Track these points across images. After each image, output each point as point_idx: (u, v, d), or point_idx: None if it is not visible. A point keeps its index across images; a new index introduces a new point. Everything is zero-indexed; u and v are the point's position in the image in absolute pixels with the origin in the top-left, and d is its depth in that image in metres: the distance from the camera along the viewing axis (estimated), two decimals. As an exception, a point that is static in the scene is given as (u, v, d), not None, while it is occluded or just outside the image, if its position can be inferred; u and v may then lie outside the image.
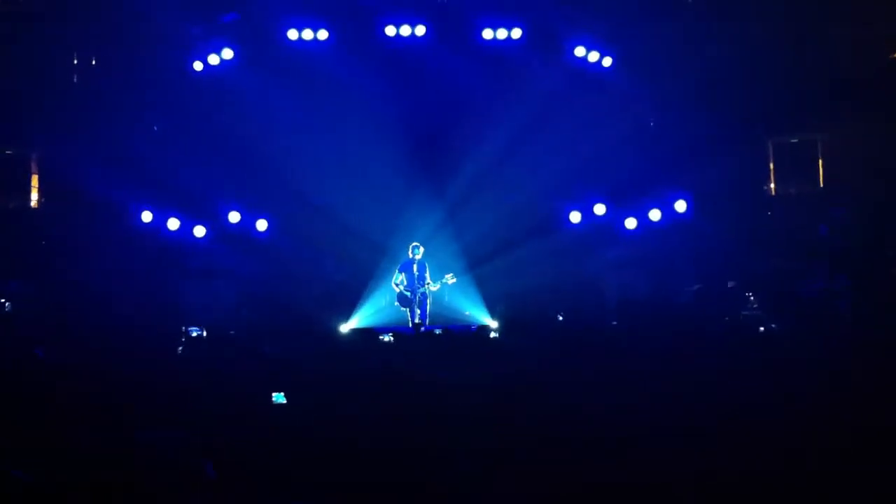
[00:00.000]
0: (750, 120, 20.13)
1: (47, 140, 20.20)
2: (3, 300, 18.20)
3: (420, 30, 20.58)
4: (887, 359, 8.49)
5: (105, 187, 19.30)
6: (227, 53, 20.49)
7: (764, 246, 19.24)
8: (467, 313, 20.10)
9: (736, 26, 19.83)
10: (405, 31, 20.58)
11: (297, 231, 20.42)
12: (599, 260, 20.68)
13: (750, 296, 18.29)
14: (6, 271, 19.20)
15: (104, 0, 19.70)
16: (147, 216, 19.94)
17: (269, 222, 20.58)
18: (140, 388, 8.59)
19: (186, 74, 20.41)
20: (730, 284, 19.40)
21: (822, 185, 21.20)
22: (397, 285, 19.38)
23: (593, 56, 20.54)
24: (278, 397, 8.58)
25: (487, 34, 20.60)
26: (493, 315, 19.69)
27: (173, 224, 20.04)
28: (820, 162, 21.23)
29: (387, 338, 14.01)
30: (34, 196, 21.10)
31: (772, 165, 21.58)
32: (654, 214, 20.40)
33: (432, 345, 12.58)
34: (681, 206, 20.20)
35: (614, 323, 15.89)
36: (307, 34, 20.49)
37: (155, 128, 20.82)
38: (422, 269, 19.30)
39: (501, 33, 20.58)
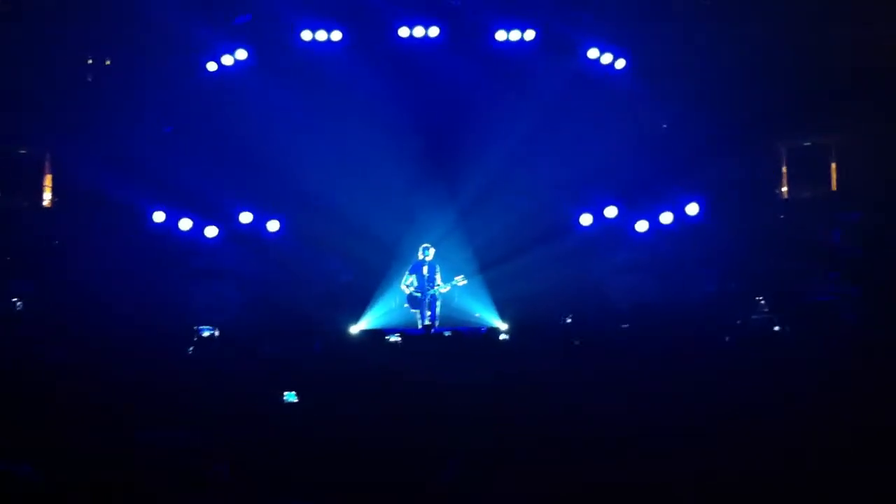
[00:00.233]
0: (762, 123, 20.01)
1: (61, 140, 20.25)
2: (14, 299, 18.25)
3: (433, 31, 20.59)
4: (888, 359, 8.45)
5: (117, 187, 19.35)
6: (241, 54, 20.54)
7: (776, 250, 19.14)
8: (477, 315, 20.06)
9: (748, 29, 19.75)
10: (418, 32, 20.58)
11: (308, 232, 20.44)
12: (610, 263, 20.63)
13: (760, 299, 18.21)
14: (19, 270, 19.27)
15: (118, 2, 19.70)
16: (159, 216, 20.01)
17: (280, 223, 20.63)
18: (148, 389, 8.62)
19: (200, 75, 20.48)
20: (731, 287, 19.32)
21: (834, 188, 21.11)
22: (407, 287, 19.36)
23: (606, 58, 20.52)
24: (290, 396, 8.61)
25: (500, 36, 20.59)
26: (504, 317, 19.66)
27: (185, 224, 20.10)
28: (833, 165, 21.14)
29: (394, 339, 14.00)
30: (47, 196, 21.21)
31: (784, 169, 21.52)
32: (666, 217, 20.35)
33: (440, 346, 12.59)
34: (693, 209, 20.15)
35: (625, 326, 15.84)
36: (321, 35, 20.52)
37: (168, 128, 20.87)
38: (432, 271, 19.29)
39: (514, 35, 20.57)
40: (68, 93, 20.27)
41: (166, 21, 19.41)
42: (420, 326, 18.91)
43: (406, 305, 19.57)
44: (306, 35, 20.48)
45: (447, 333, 14.65)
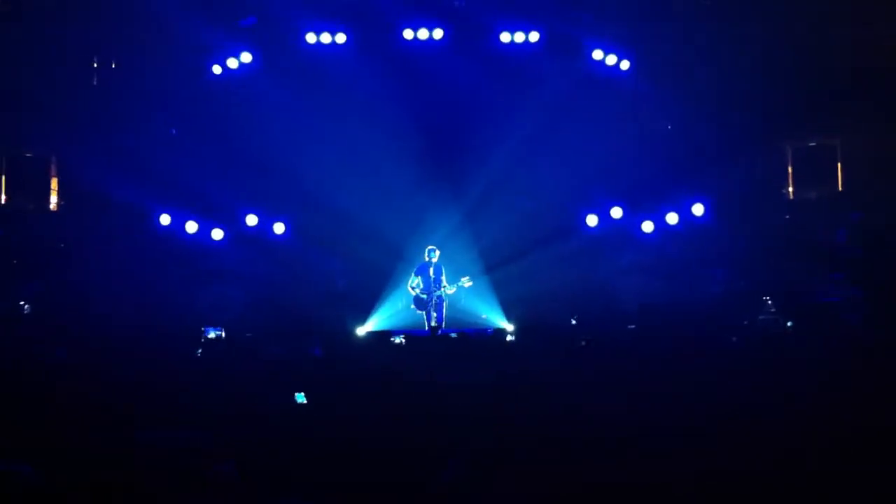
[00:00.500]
0: (767, 123, 19.98)
1: (66, 143, 20.31)
2: (21, 302, 18.29)
3: (438, 33, 20.61)
4: (889, 360, 8.44)
5: (123, 190, 19.42)
6: (246, 57, 20.61)
7: (781, 250, 19.10)
8: (484, 316, 20.07)
9: (751, 29, 19.73)
10: (423, 34, 20.61)
11: (313, 234, 20.48)
12: (616, 264, 20.62)
13: (767, 299, 18.17)
14: (25, 273, 19.33)
15: (124, 4, 19.74)
16: (165, 219, 20.07)
17: (286, 225, 20.66)
18: (150, 389, 8.65)
19: (205, 78, 20.53)
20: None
21: (840, 188, 21.05)
22: (413, 289, 19.38)
23: (611, 59, 20.52)
24: (300, 397, 8.65)
25: (505, 38, 20.61)
26: (510, 318, 19.67)
27: (191, 227, 20.16)
28: (839, 165, 21.08)
29: (398, 340, 14.00)
30: (53, 198, 21.26)
31: (790, 169, 21.47)
32: (672, 218, 20.35)
33: (446, 347, 12.59)
34: (698, 209, 20.16)
35: (631, 327, 15.83)
36: (325, 38, 20.57)
37: (173, 131, 20.92)
38: (438, 273, 19.30)
39: (519, 37, 20.58)
40: (74, 95, 20.32)
41: (171, 23, 19.47)
42: (426, 328, 18.92)
43: (412, 307, 19.59)
44: (311, 38, 20.52)
45: (453, 335, 14.64)
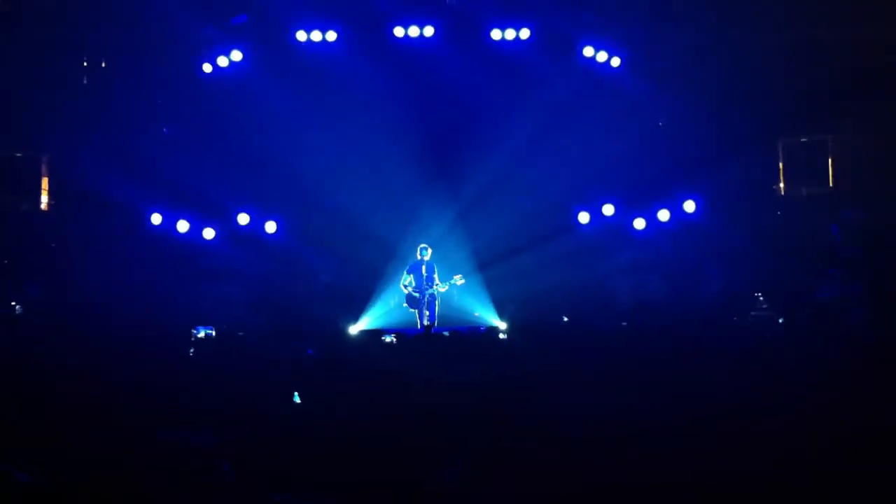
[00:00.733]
0: (759, 120, 20.01)
1: (57, 142, 20.25)
2: (13, 302, 18.24)
3: (429, 31, 20.56)
4: (887, 358, 8.45)
5: (115, 189, 19.38)
6: (237, 55, 20.55)
7: (774, 247, 19.14)
8: (476, 315, 20.09)
9: (746, 26, 19.75)
10: (414, 32, 20.57)
11: (306, 233, 20.49)
12: (610, 262, 20.65)
13: (759, 296, 18.22)
14: (17, 274, 19.26)
15: (114, 3, 19.67)
16: (157, 219, 20.03)
17: (278, 224, 20.64)
18: (143, 389, 8.62)
19: (196, 76, 20.49)
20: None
21: (832, 185, 21.08)
22: (406, 287, 19.40)
23: (602, 56, 20.52)
24: (295, 397, 8.67)
25: (499, 35, 20.58)
26: (502, 316, 19.69)
27: (183, 226, 20.13)
28: (830, 162, 21.12)
29: (389, 339, 14.00)
30: (44, 198, 21.16)
31: (781, 166, 21.50)
32: (663, 215, 20.37)
33: (439, 346, 12.56)
34: (689, 206, 20.20)
35: (623, 324, 15.84)
36: (316, 36, 20.52)
37: (165, 130, 20.86)
38: (430, 271, 19.33)
39: (510, 34, 20.55)
40: (64, 94, 20.25)
41: (162, 22, 19.41)
42: (419, 326, 18.93)
43: (405, 305, 19.59)
44: (302, 35, 20.48)
45: (446, 333, 14.63)
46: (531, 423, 7.36)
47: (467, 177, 20.22)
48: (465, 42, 20.72)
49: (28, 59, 19.77)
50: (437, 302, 19.41)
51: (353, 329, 18.88)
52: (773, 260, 18.65)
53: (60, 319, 16.08)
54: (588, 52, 20.52)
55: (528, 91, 20.35)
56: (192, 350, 13.35)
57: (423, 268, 19.33)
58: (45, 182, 21.16)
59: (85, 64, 21.05)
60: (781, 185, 21.48)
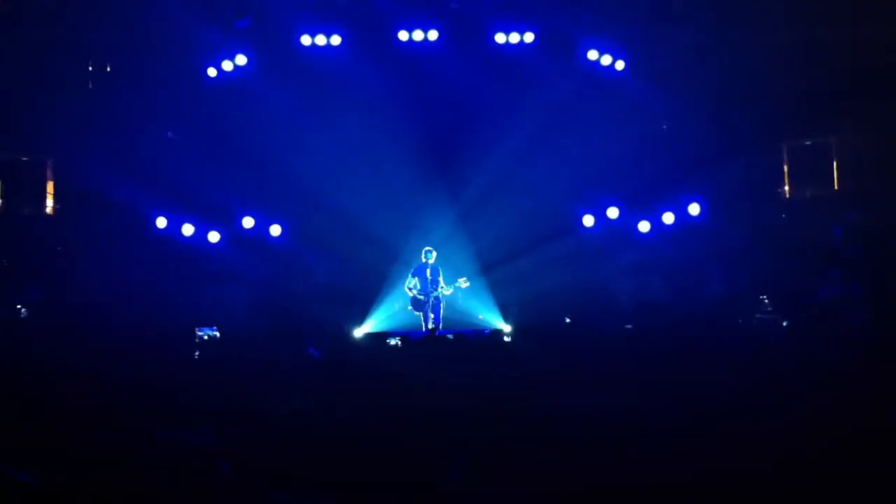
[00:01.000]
0: (763, 122, 19.98)
1: (62, 146, 20.29)
2: (18, 306, 18.27)
3: (433, 34, 20.57)
4: (888, 359, 8.44)
5: (120, 193, 19.40)
6: (241, 59, 20.58)
7: (778, 249, 19.11)
8: (480, 317, 20.08)
9: (746, 26, 19.73)
10: (418, 35, 20.57)
11: (310, 236, 20.50)
12: (614, 264, 20.65)
13: (764, 298, 18.19)
14: (22, 277, 19.30)
15: (118, 6, 19.70)
16: (162, 222, 20.06)
17: (282, 227, 20.68)
18: (144, 389, 8.64)
19: (200, 80, 20.50)
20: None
21: (836, 187, 21.07)
22: (410, 290, 19.40)
23: (606, 59, 20.52)
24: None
25: (500, 38, 20.58)
26: (507, 319, 19.69)
27: (188, 230, 20.15)
28: (834, 164, 21.11)
29: (394, 342, 14.01)
30: (49, 202, 21.22)
31: (786, 168, 21.49)
32: (668, 217, 20.38)
33: (443, 349, 12.58)
34: (694, 209, 20.18)
35: (628, 326, 15.83)
36: (320, 40, 20.54)
37: (169, 133, 20.89)
38: (435, 274, 19.34)
39: (514, 37, 20.55)
40: (69, 98, 20.28)
41: (167, 25, 19.44)
42: (424, 329, 18.93)
43: (410, 308, 19.60)
44: (306, 39, 20.49)
45: (450, 336, 14.64)
46: (533, 424, 7.37)
47: (470, 178, 20.25)
48: (468, 44, 20.73)
49: (34, 62, 19.78)
50: (441, 305, 19.41)
51: (358, 332, 18.89)
52: (775, 261, 18.61)
53: (63, 321, 16.12)
54: (592, 55, 20.49)
55: (529, 92, 20.35)
56: (196, 353, 13.38)
57: (428, 271, 19.34)
58: (50, 186, 21.21)
59: (90, 68, 21.08)
60: (786, 187, 21.47)
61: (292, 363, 10.81)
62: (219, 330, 15.87)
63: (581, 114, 20.27)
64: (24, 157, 21.38)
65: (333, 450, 6.90)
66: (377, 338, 16.89)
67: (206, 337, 15.49)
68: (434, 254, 19.40)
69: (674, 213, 20.34)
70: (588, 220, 20.73)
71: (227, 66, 20.49)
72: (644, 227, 20.46)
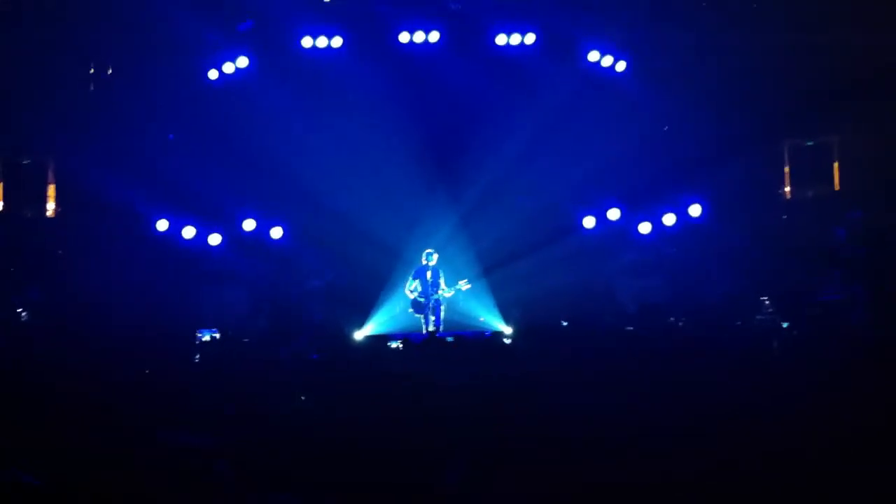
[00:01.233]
0: (764, 123, 19.99)
1: (63, 149, 20.27)
2: (19, 309, 18.27)
3: (433, 36, 20.56)
4: (889, 359, 8.44)
5: (121, 195, 19.38)
6: (242, 62, 20.57)
7: (779, 250, 19.11)
8: (481, 319, 20.07)
9: (749, 28, 19.74)
10: (419, 37, 20.57)
11: (311, 238, 20.49)
12: (615, 265, 20.66)
13: (765, 300, 18.18)
14: (23, 278, 19.30)
15: (119, 7, 19.69)
16: (163, 225, 20.05)
17: (283, 229, 20.67)
18: (144, 389, 8.66)
19: (201, 82, 20.49)
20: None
21: (837, 187, 21.06)
22: (411, 292, 19.38)
23: (607, 61, 20.52)
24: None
25: (501, 40, 20.58)
26: (508, 321, 19.68)
27: (189, 232, 20.14)
28: (836, 164, 21.10)
29: (395, 344, 13.99)
30: (50, 205, 21.21)
31: (787, 168, 21.49)
32: (669, 219, 20.38)
33: (444, 351, 12.57)
34: (695, 210, 20.18)
35: (630, 329, 15.82)
36: (321, 42, 20.52)
37: (170, 136, 20.89)
38: (436, 276, 19.31)
39: (515, 39, 20.55)
40: (71, 101, 20.26)
41: (168, 28, 19.43)
42: (424, 331, 18.91)
43: (410, 310, 19.58)
44: (307, 42, 20.48)
45: (450, 339, 14.62)
46: (533, 424, 7.37)
47: (471, 180, 20.23)
48: (469, 46, 20.72)
49: (35, 65, 19.78)
50: (442, 307, 19.39)
51: (359, 334, 18.88)
52: (776, 262, 18.61)
53: (63, 322, 16.14)
54: (593, 56, 20.49)
55: (530, 93, 20.36)
56: (197, 356, 13.39)
57: (429, 273, 19.31)
58: (51, 188, 21.20)
59: (91, 71, 21.08)
60: (787, 187, 21.47)
61: (291, 364, 10.83)
62: (219, 331, 15.88)
63: (582, 115, 20.27)
64: (25, 158, 21.36)
65: (333, 450, 6.90)
66: (378, 340, 16.86)
67: (206, 338, 15.50)
68: (435, 256, 19.37)
69: (675, 213, 20.33)
70: (589, 222, 20.72)
71: (228, 67, 20.48)
72: (645, 228, 20.46)
